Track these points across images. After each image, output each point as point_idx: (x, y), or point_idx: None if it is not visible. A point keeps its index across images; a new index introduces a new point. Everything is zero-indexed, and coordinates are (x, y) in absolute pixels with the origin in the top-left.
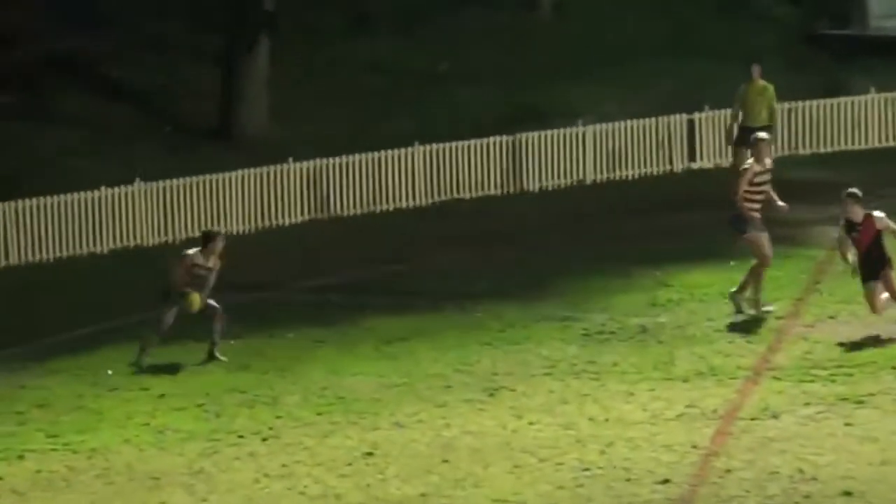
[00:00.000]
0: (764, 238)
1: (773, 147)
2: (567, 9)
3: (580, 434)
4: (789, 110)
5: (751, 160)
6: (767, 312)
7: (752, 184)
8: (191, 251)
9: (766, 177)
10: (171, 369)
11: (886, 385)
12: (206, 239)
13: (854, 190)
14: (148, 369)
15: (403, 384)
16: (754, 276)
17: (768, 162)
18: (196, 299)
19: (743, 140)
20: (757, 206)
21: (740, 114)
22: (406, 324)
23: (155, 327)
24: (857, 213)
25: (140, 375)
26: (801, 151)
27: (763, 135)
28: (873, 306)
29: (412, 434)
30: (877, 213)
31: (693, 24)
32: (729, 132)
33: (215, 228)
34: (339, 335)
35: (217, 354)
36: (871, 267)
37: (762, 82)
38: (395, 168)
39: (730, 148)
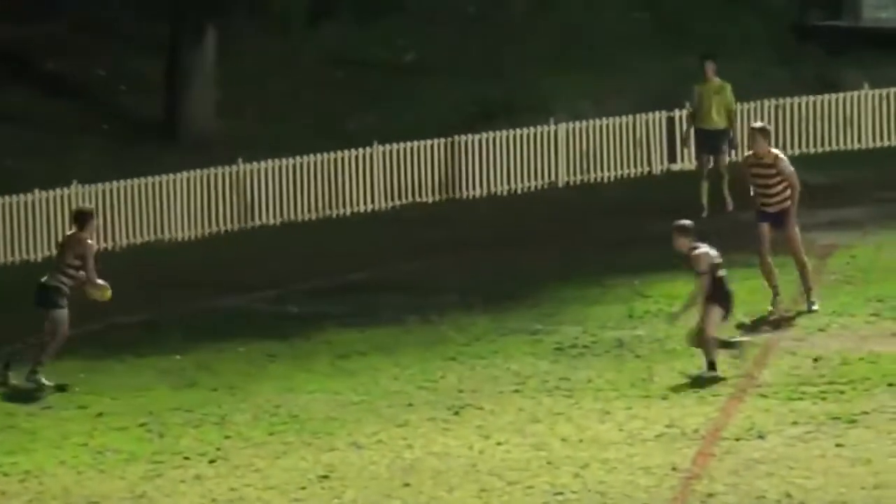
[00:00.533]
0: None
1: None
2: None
3: (552, 455)
4: (776, 107)
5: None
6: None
7: (749, 175)
8: (85, 235)
9: (761, 170)
10: (111, 386)
11: (880, 403)
12: (88, 217)
13: (681, 222)
14: (84, 386)
15: (362, 402)
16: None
17: (768, 153)
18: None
19: (701, 145)
20: (759, 199)
21: (695, 116)
22: (365, 337)
23: (42, 337)
24: (683, 245)
25: (76, 392)
26: (789, 151)
27: (757, 124)
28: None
29: (371, 455)
30: (697, 252)
31: (677, 16)
32: (684, 136)
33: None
34: (294, 349)
35: (40, 377)
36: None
37: (718, 81)
38: (352, 169)
39: (684, 151)
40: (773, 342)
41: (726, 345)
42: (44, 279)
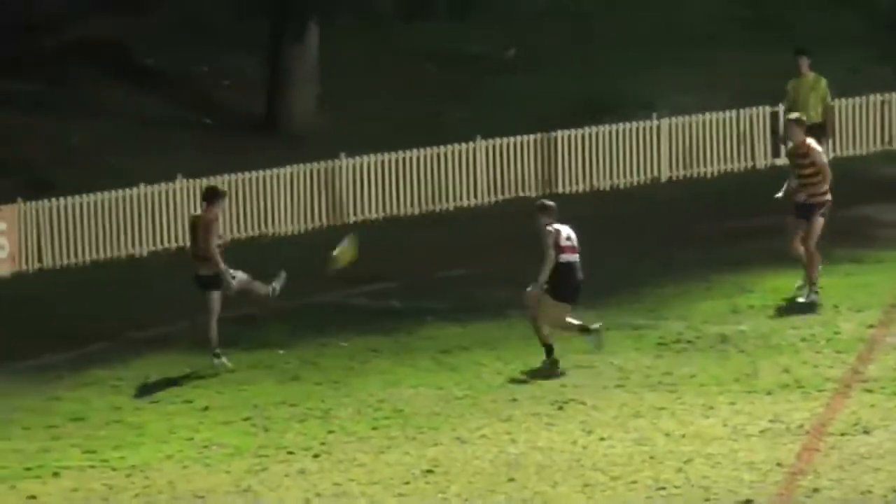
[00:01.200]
0: (788, 219)
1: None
2: None
3: (655, 450)
4: (882, 103)
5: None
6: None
7: (790, 167)
8: (213, 216)
9: (798, 160)
10: (216, 380)
11: None
12: (221, 195)
13: (544, 202)
14: (190, 380)
15: (465, 397)
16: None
17: (803, 144)
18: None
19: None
20: (798, 189)
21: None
22: (468, 332)
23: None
24: (542, 224)
25: (182, 387)
26: (894, 147)
27: (793, 115)
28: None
29: (475, 450)
30: (548, 228)
31: (777, 11)
32: (780, 133)
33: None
34: (397, 344)
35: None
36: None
37: (812, 75)
38: (455, 164)
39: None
40: (878, 337)
41: (584, 330)
42: (202, 272)
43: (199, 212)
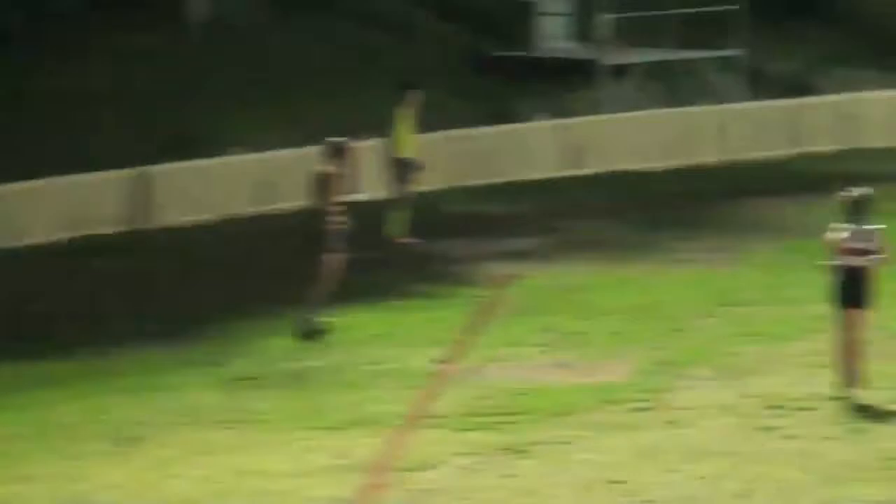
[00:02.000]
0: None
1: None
2: (229, 32)
3: (222, 487)
4: (454, 139)
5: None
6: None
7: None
8: None
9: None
10: None
11: (549, 434)
12: None
13: None
14: None
15: (31, 436)
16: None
17: (340, 173)
18: None
19: (399, 173)
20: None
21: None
22: (36, 370)
23: None
24: None
25: None
26: (466, 183)
27: (332, 140)
28: None
29: (40, 490)
30: None
31: (370, 48)
32: (388, 163)
33: None
34: None
35: None
36: None
37: (412, 109)
38: (27, 201)
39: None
40: (446, 372)
41: None
42: None
43: None
